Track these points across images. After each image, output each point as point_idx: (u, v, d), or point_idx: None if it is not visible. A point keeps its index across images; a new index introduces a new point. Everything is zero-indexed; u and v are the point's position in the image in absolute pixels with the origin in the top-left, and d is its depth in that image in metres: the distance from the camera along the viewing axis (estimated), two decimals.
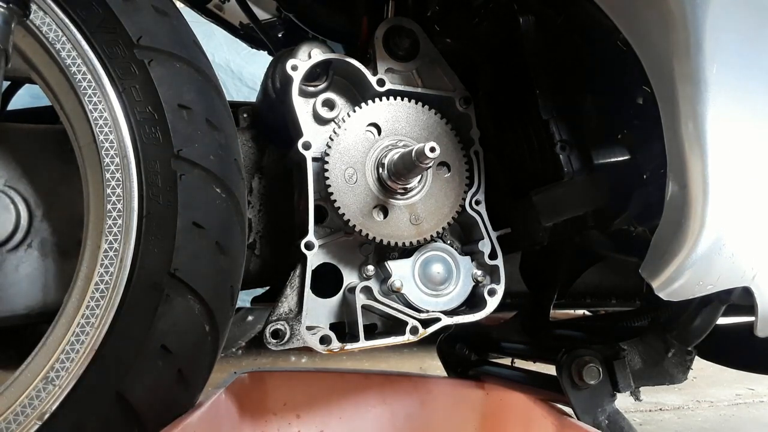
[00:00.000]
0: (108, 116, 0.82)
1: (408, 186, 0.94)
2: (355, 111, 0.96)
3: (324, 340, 0.89)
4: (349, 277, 0.96)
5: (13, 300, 0.89)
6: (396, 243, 0.94)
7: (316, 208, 0.93)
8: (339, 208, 0.92)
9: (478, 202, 1.00)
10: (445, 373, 1.31)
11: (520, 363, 1.30)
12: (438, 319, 0.95)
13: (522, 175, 1.03)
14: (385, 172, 0.93)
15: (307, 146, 0.94)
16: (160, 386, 0.81)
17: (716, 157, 0.75)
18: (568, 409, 0.95)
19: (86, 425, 0.77)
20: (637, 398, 1.03)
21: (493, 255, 0.99)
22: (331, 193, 0.91)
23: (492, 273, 0.99)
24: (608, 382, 0.95)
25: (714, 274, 0.81)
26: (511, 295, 1.37)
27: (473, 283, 0.99)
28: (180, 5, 1.03)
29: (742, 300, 0.85)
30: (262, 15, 1.59)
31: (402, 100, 0.98)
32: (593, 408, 0.94)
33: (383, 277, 0.96)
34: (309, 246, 0.91)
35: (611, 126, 0.96)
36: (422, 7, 1.07)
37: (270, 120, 1.08)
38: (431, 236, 0.96)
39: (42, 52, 0.84)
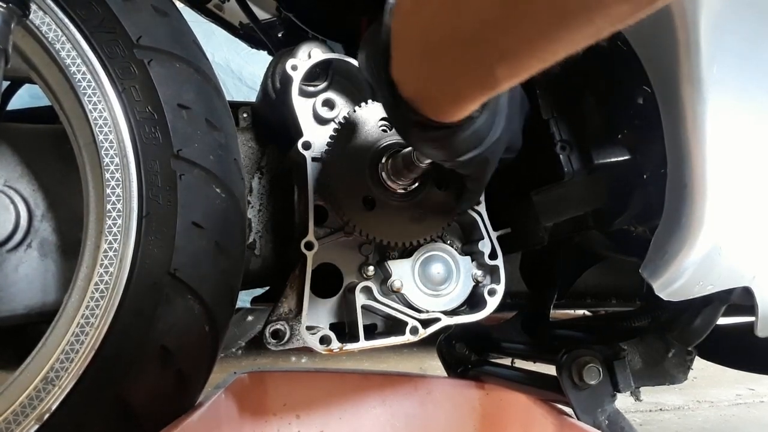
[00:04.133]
0: (108, 116, 0.82)
1: (408, 186, 0.94)
2: (355, 111, 0.95)
3: (324, 340, 0.89)
4: (349, 277, 0.96)
5: (13, 300, 0.89)
6: (396, 243, 0.94)
7: (316, 208, 0.93)
8: None
9: (478, 202, 1.00)
10: (445, 373, 1.31)
11: (520, 363, 1.30)
12: (438, 319, 0.95)
13: (522, 175, 1.03)
14: (385, 172, 0.93)
15: (307, 146, 0.93)
16: (160, 387, 0.81)
17: (716, 157, 0.75)
18: (568, 410, 0.95)
19: (86, 426, 0.77)
20: (638, 398, 1.03)
21: (493, 255, 0.99)
22: None
23: (492, 273, 0.99)
24: (608, 382, 0.94)
25: (714, 274, 0.81)
26: (511, 295, 1.37)
27: (473, 283, 0.99)
28: (180, 5, 1.03)
29: (742, 300, 0.85)
30: (261, 15, 1.59)
31: None
32: (593, 408, 0.94)
33: (383, 277, 0.96)
34: (309, 246, 0.91)
35: (611, 126, 0.95)
36: None
37: (270, 120, 1.08)
38: (431, 236, 0.96)
39: (41, 52, 0.83)
